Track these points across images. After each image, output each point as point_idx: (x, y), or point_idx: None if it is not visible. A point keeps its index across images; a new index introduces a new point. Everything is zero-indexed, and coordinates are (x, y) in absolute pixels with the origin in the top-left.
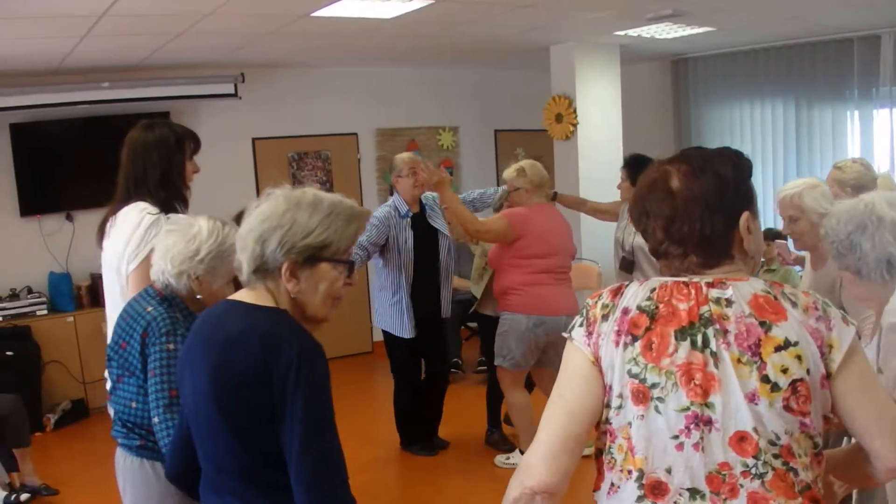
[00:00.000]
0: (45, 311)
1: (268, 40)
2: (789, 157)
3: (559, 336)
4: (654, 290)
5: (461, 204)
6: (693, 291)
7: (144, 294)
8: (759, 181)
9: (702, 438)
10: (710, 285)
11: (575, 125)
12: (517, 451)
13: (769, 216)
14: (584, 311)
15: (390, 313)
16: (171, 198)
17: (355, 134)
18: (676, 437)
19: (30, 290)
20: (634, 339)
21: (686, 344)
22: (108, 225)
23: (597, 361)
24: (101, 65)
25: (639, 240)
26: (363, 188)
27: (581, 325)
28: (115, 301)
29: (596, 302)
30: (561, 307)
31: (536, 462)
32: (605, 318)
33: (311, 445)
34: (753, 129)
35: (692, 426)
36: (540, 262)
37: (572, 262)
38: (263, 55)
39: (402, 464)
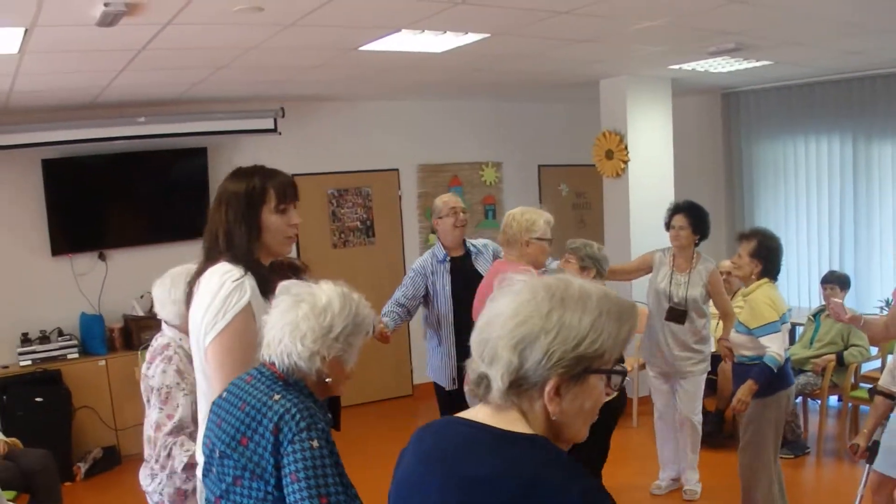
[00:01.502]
0: (76, 355)
1: (310, 74)
2: (846, 195)
3: None
4: None
5: None
6: None
7: (262, 378)
8: (814, 221)
9: None
10: None
11: (626, 162)
12: None
13: (825, 261)
14: None
15: (434, 362)
16: (251, 259)
17: (396, 170)
18: None
19: (60, 333)
20: None
21: None
22: (194, 288)
23: None
24: (138, 99)
25: (693, 292)
26: (404, 225)
27: None
28: (201, 385)
29: None
30: None
31: None
32: None
33: None
34: (808, 166)
35: None
36: None
37: None
38: (304, 89)
39: None
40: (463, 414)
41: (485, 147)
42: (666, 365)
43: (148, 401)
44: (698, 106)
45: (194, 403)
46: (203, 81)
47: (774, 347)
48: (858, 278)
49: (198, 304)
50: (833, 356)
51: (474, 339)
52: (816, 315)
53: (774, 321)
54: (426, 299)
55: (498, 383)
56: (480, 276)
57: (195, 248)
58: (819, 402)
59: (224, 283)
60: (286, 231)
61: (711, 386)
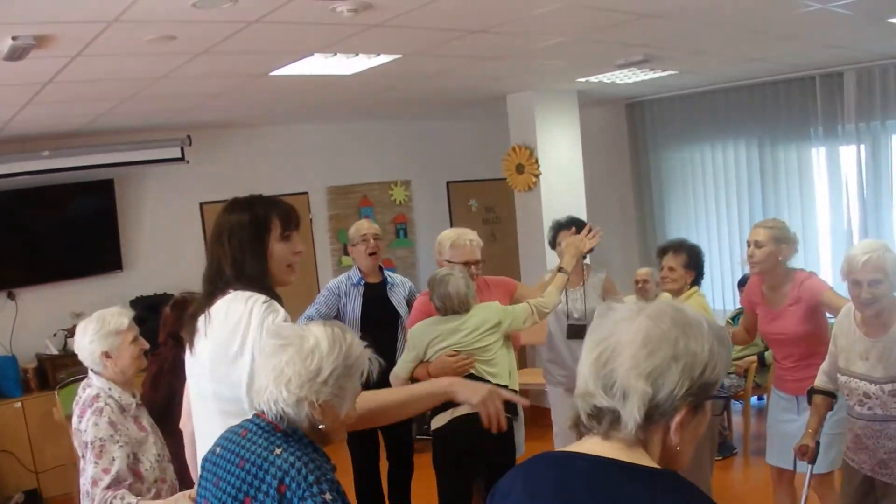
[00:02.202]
0: None
1: (219, 101)
2: (754, 198)
3: None
4: None
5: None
6: None
7: (258, 431)
8: (724, 226)
9: None
10: None
11: (538, 175)
12: None
13: (737, 264)
14: None
15: None
16: (260, 287)
17: (306, 193)
18: None
19: None
20: None
21: None
22: (202, 322)
23: None
24: (41, 132)
25: (591, 304)
26: (316, 248)
27: None
28: (211, 414)
29: None
30: None
31: None
32: None
33: None
34: (716, 171)
35: None
36: None
37: None
38: (211, 116)
39: None
40: (573, 448)
41: (393, 166)
42: (572, 381)
43: (83, 456)
44: (604, 116)
45: (130, 455)
46: (109, 112)
47: None
48: None
49: (220, 337)
50: (755, 357)
51: (592, 374)
52: (735, 318)
53: None
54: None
55: (635, 416)
56: (392, 306)
57: (108, 283)
58: (742, 403)
59: (251, 308)
60: (290, 259)
61: None
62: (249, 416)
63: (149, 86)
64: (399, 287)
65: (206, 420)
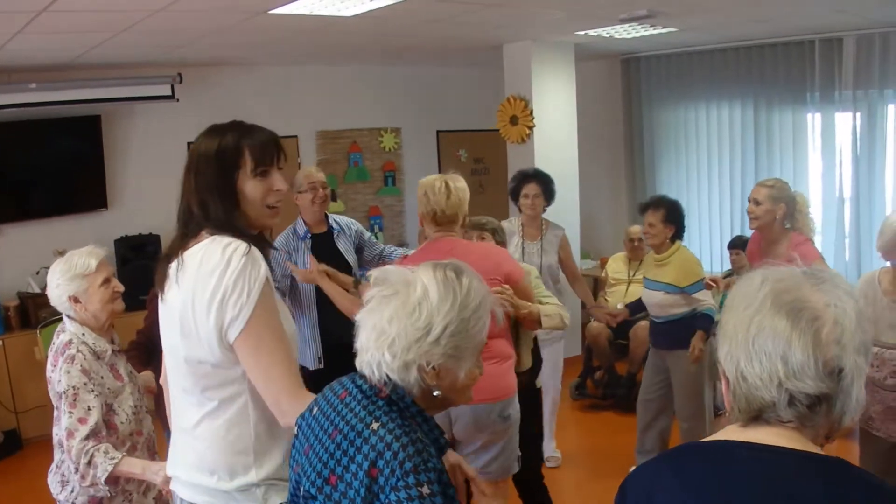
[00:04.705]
0: None
1: (213, 38)
2: (747, 160)
3: None
4: None
5: (344, 296)
6: None
7: (358, 395)
8: (715, 184)
9: None
10: None
11: (531, 128)
12: None
13: (726, 225)
14: None
15: (298, 343)
16: (232, 232)
17: (296, 136)
18: None
19: None
20: None
21: None
22: (174, 268)
23: None
24: (29, 64)
25: (547, 259)
26: None
27: None
28: (181, 373)
29: None
30: None
31: None
32: None
33: None
34: (710, 131)
35: None
36: None
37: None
38: (203, 53)
39: None
40: (727, 436)
41: (384, 113)
42: None
43: (56, 406)
44: (598, 71)
45: (103, 406)
46: (100, 45)
47: (710, 300)
48: None
49: (192, 287)
50: None
51: (805, 354)
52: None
53: (703, 278)
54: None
55: (859, 399)
56: (341, 255)
57: (93, 221)
58: None
59: (230, 258)
60: (268, 199)
61: (623, 351)
62: (220, 378)
63: (146, 18)
64: (346, 232)
65: (176, 379)
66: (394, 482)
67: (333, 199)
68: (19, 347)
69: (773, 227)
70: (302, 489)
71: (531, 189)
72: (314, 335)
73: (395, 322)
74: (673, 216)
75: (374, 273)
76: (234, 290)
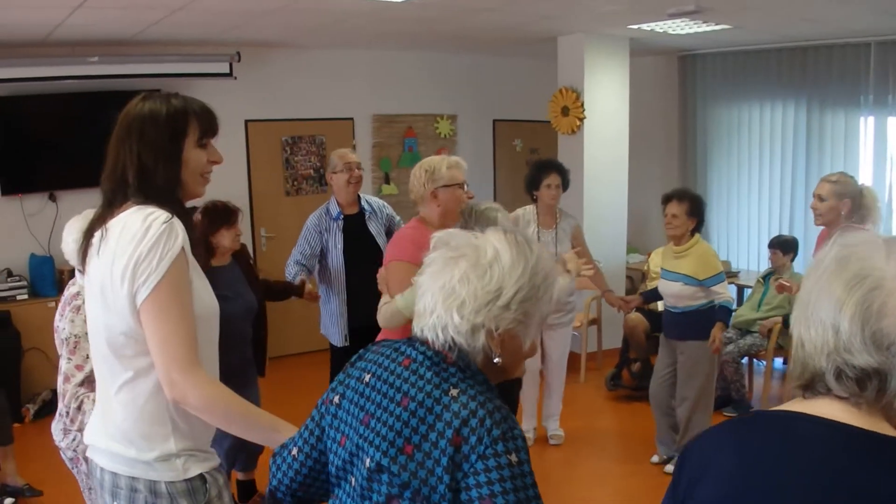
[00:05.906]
0: (25, 296)
1: (268, 19)
2: (798, 161)
3: None
4: None
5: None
6: None
7: (425, 362)
8: (765, 185)
9: None
10: None
11: (582, 119)
12: None
13: (775, 225)
14: None
15: (327, 319)
16: (168, 200)
17: (351, 119)
18: None
19: (10, 274)
20: None
21: None
22: (97, 238)
23: None
24: (91, 38)
25: (561, 248)
26: None
27: None
28: (101, 345)
29: None
30: None
31: None
32: None
33: None
34: (763, 131)
35: None
36: None
37: None
38: (260, 34)
39: None
40: (790, 407)
41: (441, 99)
42: None
43: (60, 354)
44: (655, 67)
45: None
46: (159, 22)
47: (727, 293)
48: (808, 243)
49: (112, 256)
50: (780, 319)
51: (852, 324)
52: (766, 278)
53: (722, 271)
54: (322, 255)
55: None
56: (371, 237)
57: None
58: (764, 363)
59: (149, 226)
60: (205, 168)
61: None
62: (134, 349)
63: None
64: (378, 214)
65: (97, 348)
66: (481, 450)
67: (387, 181)
68: None
69: (838, 223)
70: (366, 460)
71: (554, 179)
72: (342, 313)
73: (466, 283)
74: (696, 209)
75: (436, 235)
76: (146, 257)
